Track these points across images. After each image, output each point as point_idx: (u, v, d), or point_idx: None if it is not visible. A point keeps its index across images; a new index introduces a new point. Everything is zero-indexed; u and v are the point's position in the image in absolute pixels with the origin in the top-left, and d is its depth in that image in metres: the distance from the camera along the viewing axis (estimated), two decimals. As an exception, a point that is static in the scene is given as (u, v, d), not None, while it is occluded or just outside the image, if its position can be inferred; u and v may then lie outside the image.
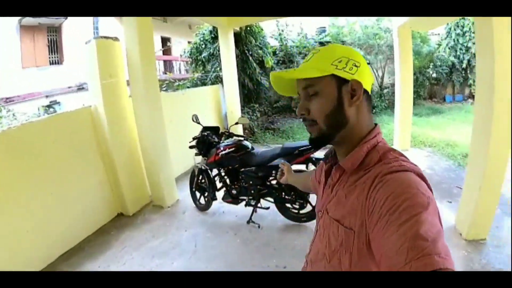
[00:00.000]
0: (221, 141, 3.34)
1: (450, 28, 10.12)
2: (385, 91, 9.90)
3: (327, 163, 0.88)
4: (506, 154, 2.58)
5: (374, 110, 9.58)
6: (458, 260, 2.54)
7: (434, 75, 10.40)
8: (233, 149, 3.13)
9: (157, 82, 3.75)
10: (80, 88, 10.83)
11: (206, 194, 3.56)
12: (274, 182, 3.15)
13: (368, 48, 9.42)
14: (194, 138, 3.42)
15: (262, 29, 7.66)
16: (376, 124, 0.77)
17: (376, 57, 9.35)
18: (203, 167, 3.45)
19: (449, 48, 10.48)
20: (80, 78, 10.66)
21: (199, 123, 3.42)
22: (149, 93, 3.53)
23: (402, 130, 5.79)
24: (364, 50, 9.15)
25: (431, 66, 10.41)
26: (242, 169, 3.13)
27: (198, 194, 3.67)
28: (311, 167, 2.94)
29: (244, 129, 6.93)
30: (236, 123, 3.45)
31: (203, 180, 3.52)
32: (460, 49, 10.27)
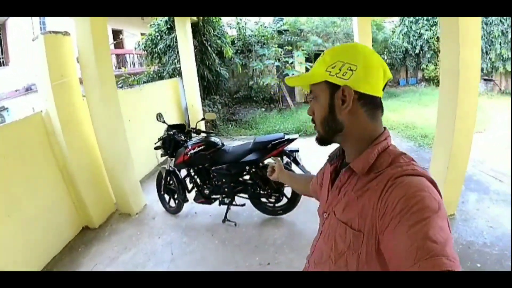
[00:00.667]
0: (189, 140, 3.12)
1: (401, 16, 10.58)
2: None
3: (332, 165, 0.87)
4: (470, 134, 2.72)
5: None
6: None
7: (388, 60, 10.83)
8: (202, 147, 2.93)
9: (113, 79, 3.41)
10: (28, 90, 9.77)
11: (176, 196, 3.34)
12: (247, 177, 3.02)
13: (325, 36, 9.54)
14: (159, 139, 3.16)
15: (220, 18, 7.39)
16: (385, 128, 0.76)
17: (334, 44, 9.49)
18: (170, 169, 3.22)
19: (402, 35, 11.01)
20: (28, 79, 9.62)
21: (164, 122, 3.16)
22: (105, 92, 3.18)
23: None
24: (322, 38, 9.24)
25: (385, 52, 10.85)
26: (213, 168, 2.96)
27: (167, 197, 3.44)
28: (286, 160, 2.85)
29: (206, 122, 6.70)
30: (203, 119, 3.23)
31: (171, 182, 3.29)
32: (413, 35, 10.87)
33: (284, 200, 3.05)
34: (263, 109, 8.55)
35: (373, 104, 0.72)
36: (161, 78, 6.99)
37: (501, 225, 2.78)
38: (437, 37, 10.54)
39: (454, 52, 2.54)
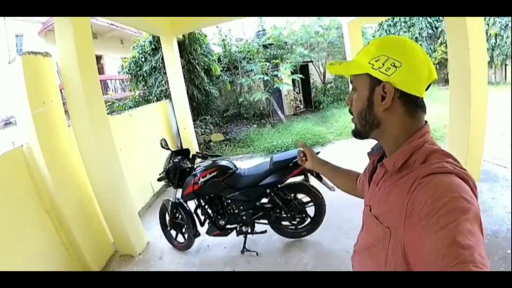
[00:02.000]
0: (195, 166, 2.81)
1: (382, 21, 10.80)
2: (328, 86, 10.12)
3: (371, 158, 0.88)
4: (483, 130, 2.80)
5: (321, 106, 9.73)
6: None
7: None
8: (214, 173, 2.62)
9: (103, 103, 3.05)
10: (7, 123, 9.09)
11: (184, 231, 2.99)
12: (265, 200, 2.73)
13: (309, 46, 9.52)
14: (164, 169, 2.82)
15: (205, 36, 7.18)
16: (426, 122, 0.73)
17: (320, 54, 9.47)
18: (176, 201, 2.88)
19: (382, 39, 11.22)
20: (6, 111, 8.97)
21: (168, 148, 2.84)
22: (95, 118, 2.83)
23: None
24: (307, 49, 9.20)
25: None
26: (228, 195, 2.65)
27: (174, 232, 3.07)
28: (312, 179, 2.59)
29: (200, 144, 6.38)
30: (210, 141, 2.94)
31: (178, 216, 2.94)
32: (392, 38, 11.08)
33: (307, 220, 2.77)
34: (255, 125, 8.30)
35: (413, 104, 0.69)
36: (147, 101, 6.65)
37: None
38: (416, 38, 10.82)
39: (463, 51, 2.57)
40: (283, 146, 6.22)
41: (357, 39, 5.60)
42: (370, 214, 0.75)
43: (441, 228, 0.52)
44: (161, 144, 2.81)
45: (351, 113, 0.77)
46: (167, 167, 2.78)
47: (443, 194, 0.55)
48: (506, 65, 9.27)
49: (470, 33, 2.48)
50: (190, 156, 2.92)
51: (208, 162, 2.82)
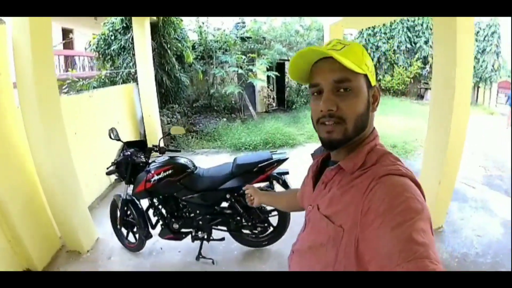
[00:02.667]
0: (150, 161, 2.53)
1: (362, 29, 10.91)
2: (302, 87, 10.08)
3: (315, 159, 0.90)
4: (461, 148, 2.74)
5: (294, 106, 9.68)
6: None
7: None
8: (169, 172, 2.35)
9: (55, 82, 2.68)
10: None
11: (135, 229, 2.71)
12: (225, 205, 2.52)
13: (287, 45, 9.38)
14: (113, 163, 2.51)
15: (181, 20, 6.77)
16: (374, 128, 0.76)
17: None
18: (128, 197, 2.59)
19: (361, 47, 11.40)
20: None
21: (118, 139, 2.53)
22: (44, 98, 2.47)
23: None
24: (285, 47, 9.06)
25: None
26: (184, 197, 2.41)
27: (125, 231, 2.78)
28: (278, 187, 2.41)
29: (164, 133, 6.03)
30: (168, 134, 2.64)
31: (129, 213, 2.66)
32: (371, 47, 11.31)
33: (270, 229, 2.60)
34: (225, 119, 8.04)
35: None
36: (113, 83, 6.16)
37: (487, 233, 2.86)
38: (394, 50, 11.06)
39: (449, 64, 2.49)
40: (251, 144, 6.04)
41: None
42: (318, 213, 0.74)
43: (397, 225, 0.53)
44: (109, 134, 2.49)
45: (331, 118, 0.68)
46: (117, 160, 2.48)
47: (399, 194, 0.57)
48: (478, 87, 9.64)
49: (459, 49, 2.41)
50: (147, 149, 2.63)
51: (165, 157, 2.55)
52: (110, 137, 2.48)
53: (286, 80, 10.21)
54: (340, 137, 0.69)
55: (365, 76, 0.69)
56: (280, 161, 2.36)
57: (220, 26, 8.87)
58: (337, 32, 5.37)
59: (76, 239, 2.84)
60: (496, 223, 3.02)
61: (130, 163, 2.44)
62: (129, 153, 2.43)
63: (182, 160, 2.48)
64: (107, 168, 2.49)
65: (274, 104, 10.10)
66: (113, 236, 2.89)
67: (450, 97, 2.52)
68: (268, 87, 9.72)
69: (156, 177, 2.33)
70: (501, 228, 2.93)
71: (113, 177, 2.67)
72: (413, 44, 11.10)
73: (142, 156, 2.52)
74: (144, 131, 5.72)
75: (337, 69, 0.67)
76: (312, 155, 0.92)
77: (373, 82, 0.71)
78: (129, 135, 5.36)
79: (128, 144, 2.59)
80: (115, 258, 2.77)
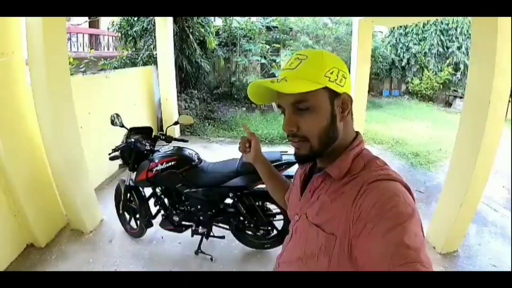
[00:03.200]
0: (155, 150, 2.44)
1: (393, 27, 10.41)
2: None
3: (302, 167, 0.88)
4: (489, 169, 2.51)
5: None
6: None
7: (374, 70, 10.63)
8: (172, 163, 2.24)
9: (67, 64, 2.66)
10: None
11: (137, 216, 2.66)
12: (229, 202, 2.40)
13: (314, 37, 9.08)
14: (114, 149, 2.39)
15: (206, 4, 6.64)
16: (357, 132, 0.76)
17: (324, 47, 9.05)
18: (131, 184, 2.52)
19: (390, 46, 10.89)
20: None
21: (122, 126, 2.43)
22: (55, 79, 2.44)
23: (355, 126, 5.55)
24: (312, 39, 8.76)
25: (372, 61, 10.65)
26: (186, 190, 2.30)
27: (127, 216, 2.73)
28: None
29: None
30: (176, 123, 2.53)
31: (132, 199, 2.59)
32: (401, 48, 10.82)
33: (273, 233, 2.46)
34: (244, 109, 7.91)
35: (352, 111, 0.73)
36: (134, 64, 6.16)
37: (503, 264, 2.64)
38: (425, 53, 10.50)
39: (486, 77, 2.22)
40: (267, 138, 5.89)
41: (366, 39, 5.19)
42: (307, 222, 0.73)
43: (389, 230, 0.53)
44: (111, 121, 2.40)
45: (294, 137, 0.71)
46: (120, 147, 2.39)
47: (390, 199, 0.57)
48: (509, 101, 9.06)
49: (498, 61, 2.14)
50: (152, 137, 2.54)
51: (170, 147, 2.45)
52: (112, 124, 2.39)
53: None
54: (307, 153, 0.71)
55: (326, 88, 0.66)
56: (290, 164, 2.21)
57: (247, 14, 8.67)
58: (367, 28, 5.08)
59: (79, 218, 2.86)
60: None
61: (134, 150, 2.36)
62: (133, 140, 2.33)
63: (187, 152, 2.36)
64: (109, 154, 2.41)
65: (294, 98, 9.88)
66: (116, 218, 2.88)
67: (483, 109, 2.25)
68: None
69: (158, 167, 2.24)
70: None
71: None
72: (445, 49, 10.44)
73: (147, 144, 2.43)
74: (161, 115, 5.67)
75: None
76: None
77: (340, 90, 0.68)
78: (145, 118, 5.34)
79: (134, 130, 2.49)
80: (116, 242, 2.77)
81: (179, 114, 5.82)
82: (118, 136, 2.56)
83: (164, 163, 2.23)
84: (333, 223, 0.65)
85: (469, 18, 8.02)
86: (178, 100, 5.85)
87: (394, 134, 6.55)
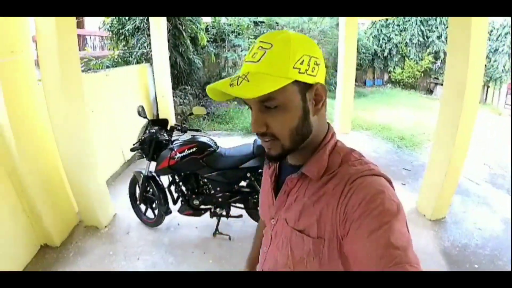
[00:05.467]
0: (173, 139, 2.61)
1: (376, 20, 10.73)
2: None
3: (270, 167, 0.81)
4: (467, 144, 2.83)
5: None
6: (430, 239, 2.76)
7: (357, 61, 10.95)
8: (193, 149, 2.44)
9: (78, 60, 2.71)
10: None
11: (154, 205, 2.82)
12: (244, 184, 2.62)
13: (300, 31, 9.30)
14: (139, 139, 2.59)
15: (196, 2, 6.75)
16: (328, 124, 0.71)
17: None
18: (149, 174, 2.68)
19: (372, 37, 11.24)
20: None
21: (145, 116, 2.61)
22: (67, 76, 2.48)
23: (343, 114, 5.95)
24: (298, 33, 8.99)
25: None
26: (206, 174, 2.50)
27: (143, 207, 2.89)
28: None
29: (177, 115, 6.12)
30: (191, 114, 2.71)
31: (149, 190, 2.76)
32: (383, 38, 11.18)
33: None
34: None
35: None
36: (126, 63, 6.19)
37: (487, 227, 2.95)
38: (406, 43, 10.91)
39: (462, 60, 2.54)
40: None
41: (353, 32, 5.48)
42: (289, 228, 0.69)
43: (375, 230, 0.52)
44: (138, 111, 2.58)
45: (264, 136, 0.64)
46: (143, 137, 2.56)
47: (375, 196, 0.56)
48: (488, 86, 9.54)
49: (472, 48, 2.45)
50: (168, 128, 2.71)
51: (186, 136, 2.63)
52: (139, 114, 2.56)
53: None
54: (279, 152, 0.65)
55: (297, 81, 0.59)
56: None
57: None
58: (352, 21, 5.35)
59: (94, 214, 2.90)
60: (496, 219, 3.10)
61: (154, 140, 2.53)
62: (153, 130, 2.51)
63: (204, 139, 2.57)
64: (133, 144, 2.58)
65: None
66: (129, 212, 2.99)
67: (460, 94, 2.59)
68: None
69: (179, 155, 2.42)
70: (501, 224, 3.01)
71: (127, 155, 2.75)
72: (425, 38, 10.89)
73: (165, 134, 2.60)
74: (157, 111, 5.78)
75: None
76: (267, 162, 0.85)
77: (312, 81, 0.61)
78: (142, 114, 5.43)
79: (153, 122, 2.66)
80: (133, 233, 2.86)
81: (175, 110, 5.95)
82: (120, 135, 2.66)
83: (185, 150, 2.42)
84: (319, 226, 0.63)
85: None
86: (172, 96, 5.96)
87: (380, 120, 6.92)
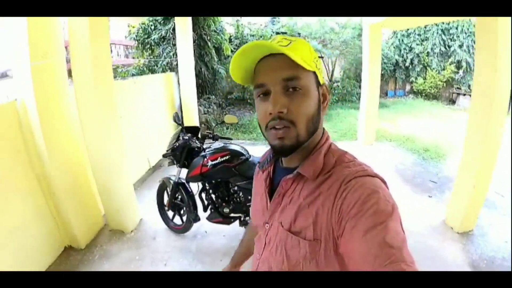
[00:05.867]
0: (205, 147, 2.63)
1: (397, 29, 10.63)
2: (334, 85, 9.99)
3: (264, 171, 0.81)
4: (496, 154, 2.76)
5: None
6: (459, 252, 2.70)
7: (379, 71, 10.86)
8: (226, 157, 2.45)
9: (111, 66, 2.80)
10: (4, 75, 8.44)
11: (182, 212, 2.83)
12: None
13: (321, 42, 9.33)
14: (172, 145, 2.62)
15: (220, 13, 6.89)
16: (323, 128, 0.73)
17: (332, 51, 9.28)
18: (179, 181, 2.70)
19: (394, 47, 11.10)
20: (4, 64, 8.27)
21: (180, 123, 2.65)
22: (100, 84, 2.55)
23: (367, 125, 5.83)
24: (320, 43, 9.00)
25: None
26: (238, 182, 2.49)
27: (171, 213, 2.91)
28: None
29: (201, 123, 6.19)
30: (222, 122, 2.73)
31: (178, 196, 2.78)
32: (404, 48, 11.02)
33: None
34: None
35: None
36: (152, 71, 6.37)
37: None
38: (427, 52, 10.73)
39: (489, 72, 2.51)
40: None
41: (377, 42, 5.43)
42: (284, 232, 0.68)
43: (370, 229, 0.52)
44: (174, 118, 2.64)
45: (281, 120, 0.62)
46: (176, 144, 2.59)
47: (370, 196, 0.56)
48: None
49: (499, 56, 2.40)
50: (199, 135, 2.74)
51: (218, 144, 2.64)
52: (175, 120, 2.61)
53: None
54: (293, 142, 0.64)
55: (314, 73, 0.65)
56: None
57: (256, 21, 8.91)
58: (376, 32, 5.31)
59: (120, 218, 2.94)
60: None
61: (186, 147, 2.55)
62: (187, 137, 2.53)
63: (237, 148, 2.57)
64: (167, 150, 2.61)
65: (305, 100, 10.03)
66: (155, 217, 3.01)
67: (488, 105, 2.56)
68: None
69: (211, 162, 2.43)
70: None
71: (152, 161, 2.77)
72: (447, 48, 10.67)
73: (196, 142, 2.62)
74: (182, 119, 5.86)
75: (286, 67, 0.61)
76: (261, 166, 0.83)
77: (322, 81, 0.67)
78: (167, 122, 5.53)
79: (186, 130, 2.70)
80: (160, 239, 2.87)
81: (199, 118, 6.02)
82: (146, 142, 2.69)
83: (218, 158, 2.43)
84: (315, 228, 0.63)
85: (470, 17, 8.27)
86: (198, 105, 6.04)
87: (403, 131, 6.80)
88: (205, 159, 2.46)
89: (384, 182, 0.62)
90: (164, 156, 2.67)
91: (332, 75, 10.09)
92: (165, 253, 2.67)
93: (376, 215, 0.54)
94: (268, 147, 0.77)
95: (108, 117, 2.72)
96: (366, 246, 0.52)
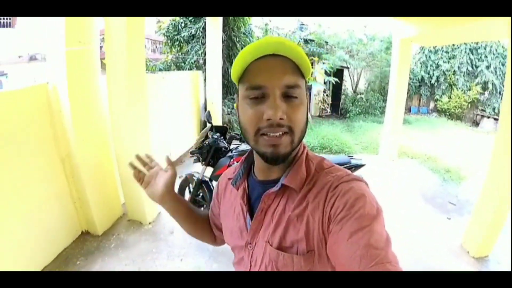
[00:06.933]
0: (231, 147, 2.65)
1: (426, 46, 10.44)
2: (358, 96, 9.88)
3: (238, 187, 0.75)
4: None
5: (348, 114, 9.52)
6: None
7: (404, 86, 10.69)
8: None
9: (144, 59, 2.85)
10: (33, 58, 8.79)
11: (202, 209, 2.85)
12: None
13: (348, 52, 9.25)
14: (201, 143, 2.66)
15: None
16: None
17: (360, 62, 9.18)
18: (204, 178, 2.73)
19: (420, 63, 10.89)
20: (34, 47, 8.64)
21: (210, 122, 2.68)
22: (132, 72, 2.62)
23: (391, 141, 5.70)
24: (347, 54, 8.93)
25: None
26: None
27: None
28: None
29: (224, 123, 6.23)
30: None
31: (200, 193, 2.80)
32: (431, 65, 10.79)
33: None
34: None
35: None
36: (178, 68, 6.47)
37: None
38: (454, 71, 10.48)
39: None
40: (308, 146, 6.02)
41: (406, 56, 5.36)
42: (273, 251, 0.64)
43: (356, 231, 0.53)
44: (206, 116, 2.69)
45: (280, 127, 0.58)
46: (204, 142, 2.62)
47: (357, 200, 0.56)
48: None
49: None
50: (227, 136, 2.76)
51: (245, 146, 2.66)
52: (207, 119, 2.65)
53: (343, 87, 10.04)
54: (288, 150, 0.61)
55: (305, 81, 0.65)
56: (358, 166, 2.39)
57: (284, 26, 8.93)
58: (406, 46, 5.23)
59: (141, 209, 2.97)
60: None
61: (214, 146, 2.58)
62: (216, 136, 2.55)
63: None
64: (195, 148, 2.64)
65: (328, 110, 9.91)
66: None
67: None
68: (324, 92, 9.60)
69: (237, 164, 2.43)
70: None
71: (172, 156, 2.80)
72: (474, 67, 10.38)
73: (224, 142, 2.64)
74: (205, 117, 5.93)
75: (290, 72, 0.59)
76: (234, 183, 0.75)
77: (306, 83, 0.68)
78: (191, 119, 5.60)
79: (215, 129, 2.73)
80: (178, 234, 2.88)
81: (223, 118, 6.07)
82: (168, 137, 2.68)
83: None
84: (308, 239, 0.61)
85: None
86: (222, 105, 6.11)
87: (425, 149, 6.66)
88: (232, 160, 2.47)
89: (367, 185, 0.63)
90: (192, 153, 2.70)
91: (356, 86, 9.98)
92: (182, 248, 2.69)
93: (362, 218, 0.54)
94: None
95: (138, 109, 2.78)
96: (352, 248, 0.52)
